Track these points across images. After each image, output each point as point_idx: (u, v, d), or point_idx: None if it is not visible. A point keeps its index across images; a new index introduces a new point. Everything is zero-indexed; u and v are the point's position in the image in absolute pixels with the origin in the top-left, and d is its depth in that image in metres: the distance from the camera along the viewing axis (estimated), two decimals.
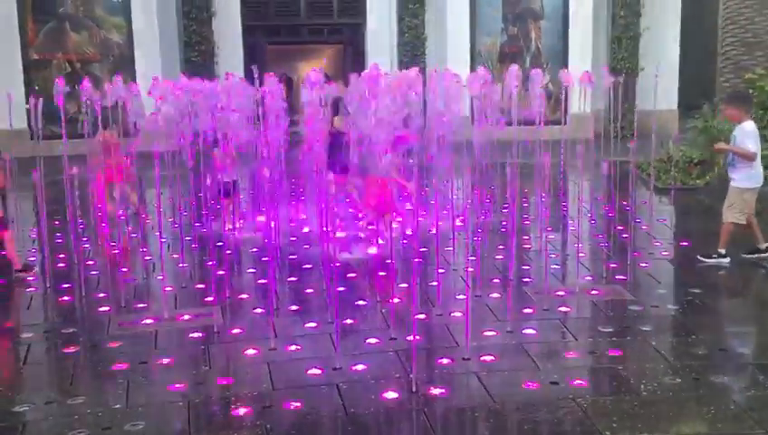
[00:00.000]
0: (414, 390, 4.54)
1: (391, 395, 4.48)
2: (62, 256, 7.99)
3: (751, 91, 12.15)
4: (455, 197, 9.89)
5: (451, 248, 8.09)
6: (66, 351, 5.38)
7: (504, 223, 9.30)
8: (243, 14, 17.39)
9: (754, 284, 7.22)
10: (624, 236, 8.30)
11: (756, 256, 7.41)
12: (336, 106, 9.19)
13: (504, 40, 17.74)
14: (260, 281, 7.11)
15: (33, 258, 8.05)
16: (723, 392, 4.50)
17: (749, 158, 7.21)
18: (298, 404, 4.38)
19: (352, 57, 18.73)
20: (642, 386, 4.56)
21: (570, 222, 9.82)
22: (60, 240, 8.65)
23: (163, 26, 16.58)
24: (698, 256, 7.44)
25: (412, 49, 17.50)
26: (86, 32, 16.57)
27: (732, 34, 13.39)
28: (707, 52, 18.85)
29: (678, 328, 5.75)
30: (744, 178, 7.29)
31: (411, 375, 4.65)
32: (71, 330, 5.80)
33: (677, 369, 4.83)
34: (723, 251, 7.34)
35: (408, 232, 8.45)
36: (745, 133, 7.21)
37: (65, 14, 16.44)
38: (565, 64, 17.69)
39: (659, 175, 11.66)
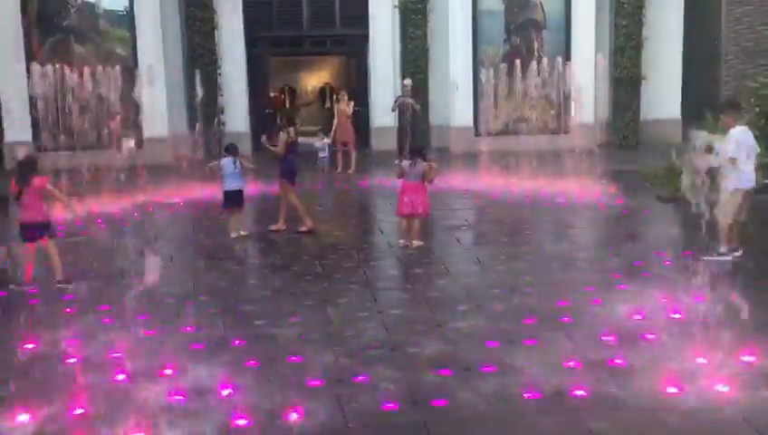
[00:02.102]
0: None
1: None
2: None
3: (752, 100, 12.14)
4: None
5: None
6: None
7: None
8: (246, 26, 17.46)
9: None
10: None
11: (716, 258, 7.58)
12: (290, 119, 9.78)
13: (507, 50, 17.76)
14: None
15: None
16: None
17: (732, 163, 7.58)
18: None
19: (356, 68, 18.78)
20: None
21: None
22: None
23: (167, 39, 16.66)
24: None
25: (415, 60, 17.54)
26: (91, 44, 16.66)
27: (734, 43, 13.40)
28: (711, 60, 18.84)
29: None
30: (733, 180, 7.61)
31: None
32: None
33: None
34: (724, 250, 7.61)
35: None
36: (728, 138, 7.57)
37: (69, 26, 16.54)
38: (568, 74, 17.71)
39: (663, 184, 11.61)
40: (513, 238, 9.26)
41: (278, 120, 9.83)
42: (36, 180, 7.15)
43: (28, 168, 7.21)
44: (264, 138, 10.02)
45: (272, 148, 9.59)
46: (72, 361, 5.34)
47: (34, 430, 4.33)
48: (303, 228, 9.44)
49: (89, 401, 4.64)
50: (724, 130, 7.75)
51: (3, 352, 5.56)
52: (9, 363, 5.32)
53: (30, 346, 5.62)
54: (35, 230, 7.17)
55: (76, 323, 6.12)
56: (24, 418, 4.44)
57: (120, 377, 5.03)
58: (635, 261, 7.93)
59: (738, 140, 7.62)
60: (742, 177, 7.72)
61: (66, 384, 4.90)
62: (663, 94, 18.02)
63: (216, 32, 17.01)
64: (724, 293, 6.06)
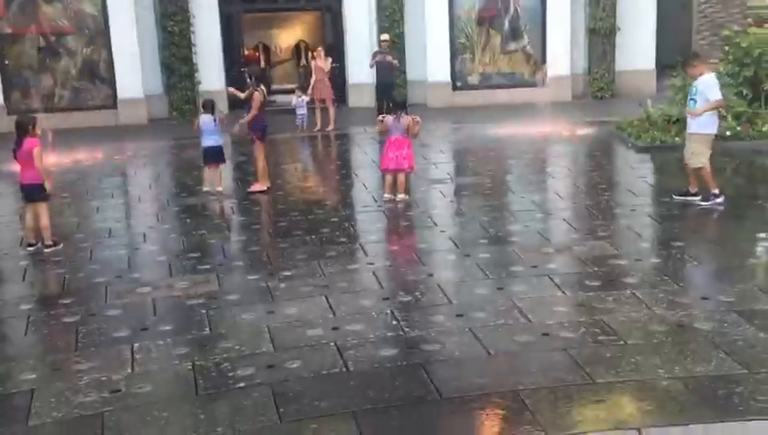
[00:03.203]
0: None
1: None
2: None
3: (727, 47, 12.30)
4: None
5: None
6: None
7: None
8: None
9: None
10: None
11: (684, 198, 8.01)
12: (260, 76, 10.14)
13: (483, 4, 17.66)
14: None
15: None
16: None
17: (719, 106, 7.96)
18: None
19: (331, 23, 18.57)
20: None
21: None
22: None
23: None
24: (698, 202, 7.90)
25: (391, 14, 17.38)
26: (59, 3, 16.25)
27: None
28: (684, 10, 18.91)
29: None
30: (707, 125, 7.88)
31: None
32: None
33: None
34: (716, 191, 7.87)
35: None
36: (711, 84, 7.81)
37: None
38: (543, 27, 17.70)
39: (639, 134, 11.79)
40: (494, 190, 9.39)
41: (248, 79, 9.70)
42: (27, 142, 7.12)
43: (22, 129, 7.16)
44: (230, 89, 10.59)
45: (237, 93, 10.03)
46: None
47: None
48: (258, 188, 9.43)
49: None
50: (694, 78, 7.99)
51: None
52: None
53: None
54: (29, 191, 7.23)
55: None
56: None
57: None
58: (616, 209, 8.13)
59: (718, 83, 7.90)
60: (716, 121, 8.05)
61: None
62: (637, 45, 18.08)
63: None
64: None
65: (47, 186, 7.26)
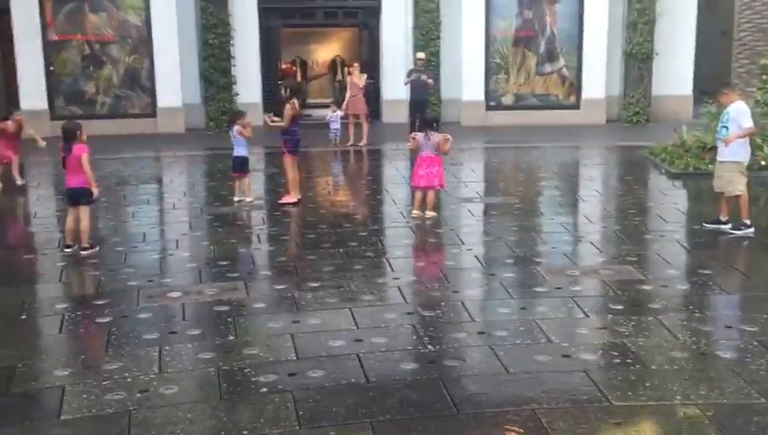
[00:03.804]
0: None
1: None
2: None
3: (765, 76, 12.19)
4: None
5: None
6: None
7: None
8: None
9: None
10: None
11: (716, 226, 8.00)
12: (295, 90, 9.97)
13: (519, 24, 17.74)
14: None
15: None
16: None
17: (751, 134, 8.00)
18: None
19: (368, 40, 18.81)
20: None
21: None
22: None
23: (180, 9, 16.70)
24: (728, 230, 7.91)
25: (427, 32, 17.55)
26: (104, 13, 16.72)
27: (748, 20, 13.41)
28: (723, 37, 18.78)
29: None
30: (738, 153, 7.88)
31: None
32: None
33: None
34: (748, 221, 7.87)
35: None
36: (742, 111, 7.80)
37: None
38: (580, 49, 17.72)
39: (672, 160, 11.74)
40: (525, 210, 9.43)
41: (283, 92, 9.82)
42: (76, 148, 7.37)
43: (71, 135, 7.40)
44: (267, 117, 10.17)
45: (276, 124, 9.71)
46: None
47: None
48: (288, 200, 9.55)
49: None
50: (725, 106, 7.98)
51: None
52: None
53: None
54: (75, 195, 7.47)
55: None
56: None
57: None
58: (645, 235, 8.12)
59: (749, 111, 7.92)
60: (749, 149, 8.06)
61: None
62: (675, 70, 17.99)
63: (229, 2, 17.04)
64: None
65: (94, 191, 7.51)
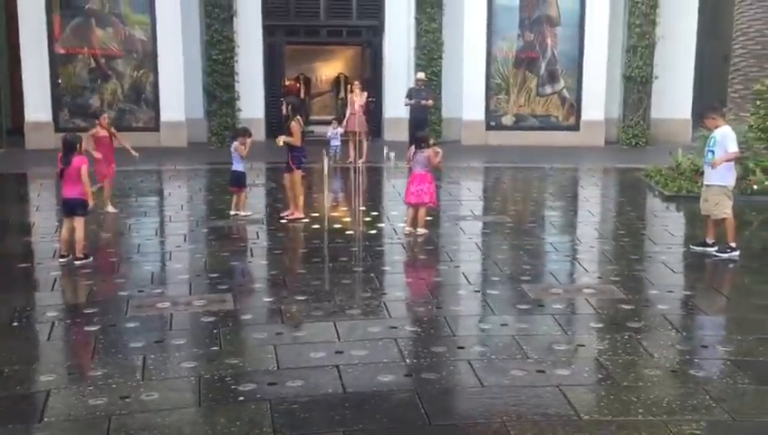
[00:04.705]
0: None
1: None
2: None
3: (758, 102, 12.33)
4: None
5: None
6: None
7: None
8: (263, 14, 17.75)
9: None
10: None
11: (702, 249, 8.08)
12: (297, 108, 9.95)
13: (520, 45, 17.95)
14: None
15: None
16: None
17: (736, 158, 8.13)
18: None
19: (371, 59, 19.04)
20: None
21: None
22: None
23: (186, 25, 16.97)
24: (714, 253, 7.97)
25: (429, 52, 17.77)
26: (111, 28, 17.00)
27: (742, 46, 13.56)
28: (724, 62, 18.92)
29: None
30: (725, 177, 8.00)
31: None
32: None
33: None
34: (734, 244, 7.94)
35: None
36: (728, 136, 7.91)
37: (91, 9, 16.89)
38: (580, 71, 17.90)
39: (666, 183, 11.85)
40: (516, 229, 9.53)
41: (284, 110, 9.93)
42: (75, 160, 7.52)
43: (70, 147, 7.56)
44: (280, 139, 9.84)
45: (289, 141, 9.62)
46: None
47: None
48: (297, 216, 9.66)
49: None
50: (711, 131, 8.14)
51: None
52: None
53: None
54: (72, 206, 7.62)
55: None
56: None
57: None
58: (632, 255, 8.22)
59: (735, 136, 8.02)
60: (734, 173, 8.20)
61: None
62: (674, 94, 18.15)
63: (234, 19, 17.30)
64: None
65: (90, 202, 7.66)
